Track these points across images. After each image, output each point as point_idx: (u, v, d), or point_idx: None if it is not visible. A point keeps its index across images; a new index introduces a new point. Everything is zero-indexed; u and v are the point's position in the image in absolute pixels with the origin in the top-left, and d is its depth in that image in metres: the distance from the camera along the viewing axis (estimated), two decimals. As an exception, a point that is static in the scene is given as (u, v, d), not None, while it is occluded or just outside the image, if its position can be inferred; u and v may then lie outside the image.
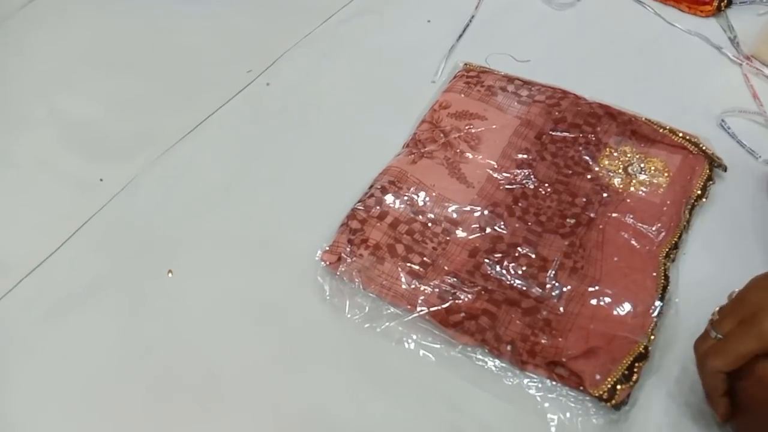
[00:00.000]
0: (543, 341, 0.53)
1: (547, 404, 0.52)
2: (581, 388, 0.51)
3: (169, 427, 0.53)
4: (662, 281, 0.57)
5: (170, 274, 0.61)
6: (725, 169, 0.67)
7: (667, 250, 0.59)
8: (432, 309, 0.55)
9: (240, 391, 0.54)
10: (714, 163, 0.66)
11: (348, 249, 0.59)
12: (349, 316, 0.57)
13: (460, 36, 0.84)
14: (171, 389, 0.55)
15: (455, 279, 0.57)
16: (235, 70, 0.79)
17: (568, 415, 0.52)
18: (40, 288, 0.61)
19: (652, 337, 0.53)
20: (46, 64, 0.82)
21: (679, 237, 0.60)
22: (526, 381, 0.53)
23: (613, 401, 0.50)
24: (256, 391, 0.54)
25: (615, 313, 0.54)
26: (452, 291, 0.56)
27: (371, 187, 0.65)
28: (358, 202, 0.63)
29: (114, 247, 0.64)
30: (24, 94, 0.78)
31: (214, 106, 0.75)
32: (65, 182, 0.69)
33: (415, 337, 0.56)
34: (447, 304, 0.55)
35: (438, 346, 0.55)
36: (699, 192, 0.63)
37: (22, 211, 0.67)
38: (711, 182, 0.65)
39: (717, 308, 0.50)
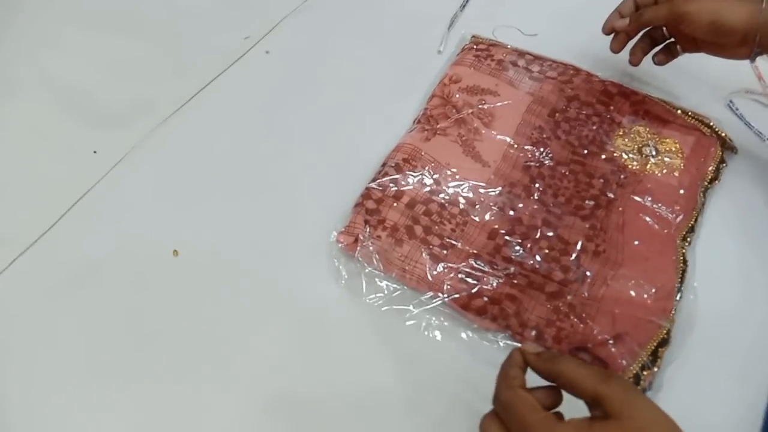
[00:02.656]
0: (569, 327, 0.52)
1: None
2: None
3: (177, 408, 0.51)
4: (681, 265, 0.56)
5: (176, 254, 0.58)
6: (736, 151, 0.67)
7: (684, 233, 0.59)
8: (455, 295, 0.54)
9: (253, 373, 0.52)
10: (726, 145, 0.66)
11: (366, 230, 0.57)
12: (367, 299, 0.56)
13: (464, 5, 0.81)
14: (179, 371, 0.53)
15: (477, 262, 0.55)
16: (234, 35, 0.75)
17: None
18: (39, 264, 0.58)
19: (674, 321, 0.53)
20: (34, 23, 0.76)
21: (696, 220, 0.60)
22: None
23: (638, 387, 0.50)
24: (269, 374, 0.53)
25: (637, 297, 0.54)
26: (475, 275, 0.55)
27: (384, 164, 0.62)
28: (372, 180, 0.61)
29: (114, 222, 0.60)
30: (11, 57, 0.73)
31: (211, 75, 0.71)
32: (59, 152, 0.65)
33: (435, 320, 0.55)
34: (471, 290, 0.54)
35: (460, 330, 0.54)
36: (713, 174, 0.63)
37: (14, 182, 0.63)
38: (724, 164, 0.65)
39: None
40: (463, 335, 0.54)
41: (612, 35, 0.67)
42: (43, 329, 0.54)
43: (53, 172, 0.63)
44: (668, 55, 0.67)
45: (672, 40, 0.66)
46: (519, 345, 0.53)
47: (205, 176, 0.64)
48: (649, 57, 0.68)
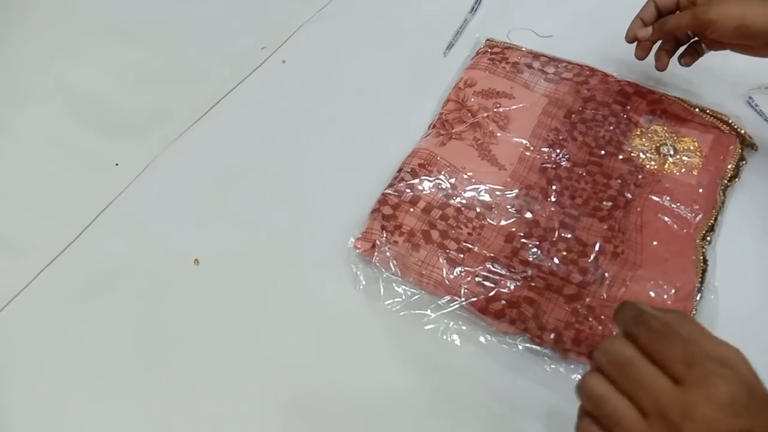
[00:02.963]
0: (588, 329, 0.52)
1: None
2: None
3: (198, 416, 0.52)
4: (701, 265, 0.56)
5: (197, 263, 0.59)
6: (756, 149, 0.66)
7: (703, 232, 0.58)
8: (473, 299, 0.54)
9: (273, 380, 0.53)
10: (745, 143, 0.65)
11: (383, 236, 0.57)
12: (385, 304, 0.56)
13: (475, 9, 0.81)
14: (201, 379, 0.54)
15: (495, 265, 0.56)
16: (250, 45, 0.76)
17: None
18: (64, 274, 0.59)
19: (695, 322, 0.53)
20: (50, 32, 0.78)
21: (715, 219, 0.59)
22: (568, 367, 0.53)
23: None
24: (289, 380, 0.53)
25: (657, 298, 0.54)
26: (493, 279, 0.55)
27: (400, 170, 0.63)
28: (388, 186, 0.61)
29: (136, 232, 0.62)
30: (29, 68, 0.74)
31: (229, 85, 0.73)
32: (80, 164, 0.66)
33: (453, 325, 0.55)
34: (488, 293, 0.54)
35: (478, 334, 0.54)
36: (732, 172, 0.63)
37: (37, 194, 0.64)
38: (743, 162, 0.64)
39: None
40: (482, 339, 0.54)
41: (635, 42, 0.66)
42: (69, 338, 0.56)
43: (75, 184, 0.64)
44: (694, 55, 0.66)
45: (696, 39, 0.66)
46: (536, 347, 0.53)
47: (224, 185, 0.65)
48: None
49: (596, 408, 0.36)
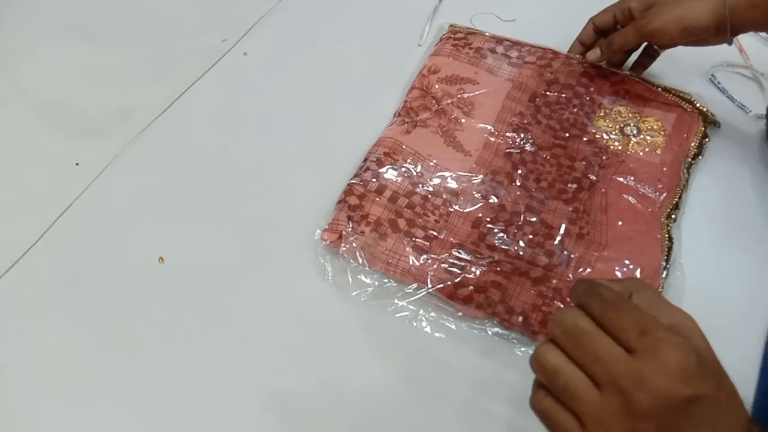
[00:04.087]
0: (555, 310, 0.52)
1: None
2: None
3: (169, 414, 0.51)
4: (667, 243, 0.56)
5: (162, 261, 0.58)
6: (719, 126, 0.66)
7: (668, 210, 0.59)
8: (440, 285, 0.54)
9: (244, 375, 0.52)
10: (708, 120, 0.65)
11: (349, 226, 0.57)
12: (353, 294, 0.56)
13: (442, -5, 0.81)
14: (169, 377, 0.53)
15: (461, 252, 0.55)
16: (210, 38, 0.75)
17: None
18: (27, 277, 0.58)
19: (661, 299, 0.53)
20: (6, 34, 0.76)
21: (680, 197, 0.60)
22: (537, 350, 0.53)
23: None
24: (260, 374, 0.53)
25: (623, 276, 0.54)
26: (459, 264, 0.55)
27: (366, 159, 0.62)
28: (354, 176, 0.61)
29: (99, 232, 0.60)
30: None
31: (190, 79, 0.71)
32: (41, 164, 0.65)
33: (423, 312, 0.55)
34: (455, 279, 0.54)
35: (448, 320, 0.54)
36: (696, 150, 0.63)
37: (-2, 197, 0.63)
38: (707, 139, 0.64)
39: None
40: (452, 325, 0.54)
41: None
42: (33, 341, 0.55)
43: (36, 186, 0.63)
44: (649, 57, 0.68)
45: (646, 43, 0.67)
46: (505, 331, 0.53)
47: (187, 181, 0.64)
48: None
49: (550, 380, 0.35)
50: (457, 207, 0.59)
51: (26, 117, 0.68)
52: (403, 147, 0.63)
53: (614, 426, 0.33)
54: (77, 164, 0.64)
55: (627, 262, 0.55)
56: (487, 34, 0.73)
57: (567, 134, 0.64)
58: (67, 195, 0.62)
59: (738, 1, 0.58)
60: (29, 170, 0.64)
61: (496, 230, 0.57)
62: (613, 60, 0.68)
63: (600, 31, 0.68)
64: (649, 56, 0.68)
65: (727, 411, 0.34)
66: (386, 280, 0.56)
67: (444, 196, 0.60)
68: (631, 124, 0.65)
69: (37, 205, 0.62)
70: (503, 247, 0.56)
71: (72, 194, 0.62)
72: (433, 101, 0.67)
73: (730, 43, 0.61)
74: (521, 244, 0.56)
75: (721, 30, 0.59)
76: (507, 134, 0.64)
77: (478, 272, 0.54)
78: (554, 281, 0.54)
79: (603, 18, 0.66)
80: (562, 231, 0.57)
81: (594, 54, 0.67)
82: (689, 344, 0.33)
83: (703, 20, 0.59)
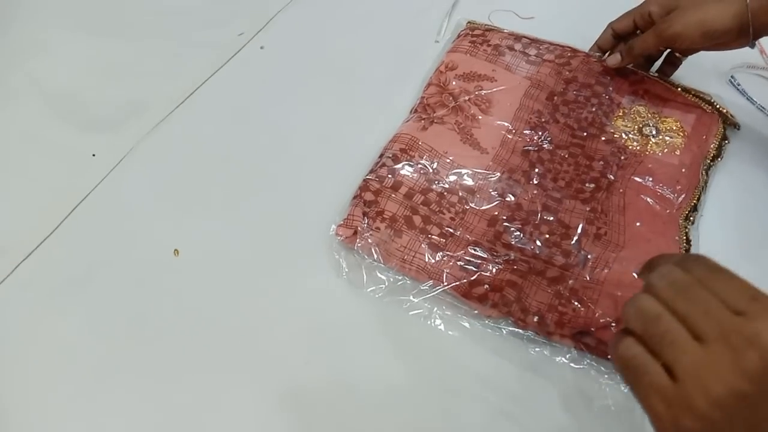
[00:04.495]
0: (571, 311, 0.52)
1: (574, 373, 0.52)
2: (609, 357, 0.51)
3: (184, 408, 0.51)
4: (684, 245, 0.56)
5: (176, 254, 0.58)
6: (738, 128, 0.66)
7: (686, 212, 0.58)
8: (455, 283, 0.53)
9: (258, 370, 0.53)
10: (728, 122, 0.65)
11: (364, 222, 0.57)
12: (368, 291, 0.56)
13: (460, -9, 0.80)
14: (184, 371, 0.53)
15: (477, 250, 0.55)
16: (227, 32, 0.75)
17: (595, 383, 0.51)
18: (41, 270, 0.58)
19: (678, 302, 0.53)
20: (20, 28, 0.76)
21: (698, 199, 0.59)
22: (552, 350, 0.53)
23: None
24: (275, 369, 0.53)
25: (640, 279, 0.53)
26: (475, 263, 0.54)
27: (382, 155, 0.62)
28: (370, 172, 0.61)
29: (114, 225, 0.61)
30: (0, 65, 0.73)
31: (206, 73, 0.71)
32: (55, 158, 0.65)
33: (437, 310, 0.55)
34: (471, 277, 0.53)
35: (462, 318, 0.54)
36: (715, 152, 0.62)
37: (13, 190, 0.63)
38: (726, 141, 0.64)
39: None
40: (466, 324, 0.54)
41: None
42: (47, 334, 0.55)
43: (51, 179, 0.63)
44: (672, 65, 0.68)
45: (669, 50, 0.67)
46: (520, 330, 0.53)
47: (203, 175, 0.64)
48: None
49: (649, 325, 0.34)
50: (473, 205, 0.59)
51: (40, 111, 0.69)
52: (420, 143, 0.62)
53: (713, 381, 0.32)
54: (94, 155, 0.64)
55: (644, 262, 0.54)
56: (505, 31, 0.73)
57: (585, 133, 0.63)
58: (82, 188, 0.62)
59: (761, 4, 0.57)
60: (43, 164, 0.65)
61: (512, 229, 0.57)
62: (634, 66, 0.67)
63: (619, 36, 0.67)
64: (671, 64, 0.67)
65: None
66: (401, 277, 0.56)
67: (460, 194, 0.59)
68: (650, 125, 0.64)
69: (51, 199, 0.62)
70: (519, 246, 0.56)
71: (86, 187, 0.62)
72: (450, 98, 0.66)
73: (753, 46, 0.60)
74: (538, 243, 0.56)
75: (743, 33, 0.59)
76: (524, 132, 0.63)
77: (494, 270, 0.54)
78: (571, 281, 0.53)
79: (622, 23, 0.66)
80: (579, 231, 0.56)
81: (614, 59, 0.66)
82: None
83: (725, 23, 0.58)
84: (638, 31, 0.65)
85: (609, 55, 0.67)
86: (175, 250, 0.58)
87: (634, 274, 0.41)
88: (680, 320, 0.34)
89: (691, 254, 0.37)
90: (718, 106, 0.65)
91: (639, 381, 0.35)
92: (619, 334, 0.37)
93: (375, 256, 0.56)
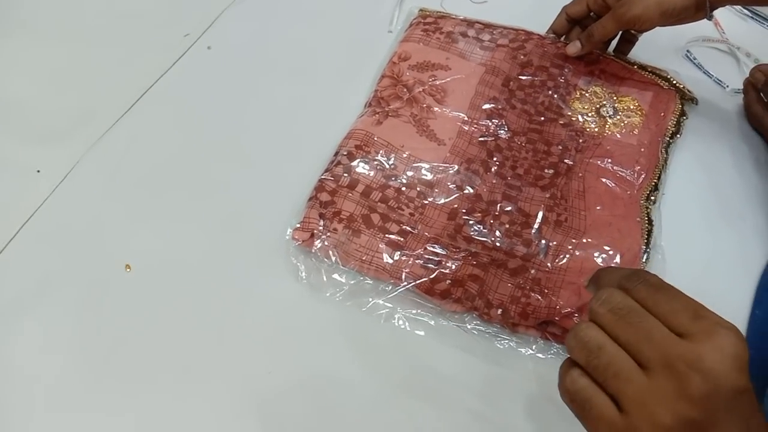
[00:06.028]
0: (534, 302, 0.51)
1: (541, 364, 0.51)
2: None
3: (144, 421, 0.49)
4: (647, 225, 0.55)
5: (128, 269, 0.56)
6: (696, 102, 0.65)
7: (647, 192, 0.57)
8: (417, 281, 0.52)
9: (219, 379, 0.51)
10: (685, 97, 0.64)
11: (321, 224, 0.55)
12: (328, 294, 0.54)
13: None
14: (142, 385, 0.51)
15: (437, 246, 0.54)
16: (172, 33, 0.72)
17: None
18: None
19: (642, 285, 0.52)
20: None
21: (659, 178, 0.59)
22: (518, 342, 0.52)
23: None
24: (236, 378, 0.51)
25: (604, 264, 0.53)
26: (436, 259, 0.53)
27: (336, 153, 0.60)
28: (325, 171, 0.59)
29: (63, 242, 0.58)
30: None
31: (153, 77, 0.69)
32: (0, 173, 0.62)
33: (401, 309, 0.53)
34: (430, 275, 0.52)
35: (426, 316, 0.53)
36: (674, 128, 0.62)
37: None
38: (684, 117, 0.63)
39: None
40: (431, 321, 0.53)
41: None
42: (0, 356, 0.53)
43: (-2, 194, 0.61)
44: (628, 42, 0.67)
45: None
46: (485, 324, 0.52)
47: (153, 184, 0.62)
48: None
49: (591, 357, 0.34)
50: (431, 199, 0.57)
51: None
52: (375, 139, 0.61)
53: (660, 410, 0.31)
54: (38, 171, 0.62)
55: (607, 248, 0.54)
56: (458, 17, 0.71)
57: (542, 118, 0.62)
58: (30, 204, 0.60)
59: None
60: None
61: (472, 221, 0.55)
62: (594, 51, 0.66)
63: (573, 20, 0.66)
64: (628, 42, 0.67)
65: (756, 410, 0.32)
66: (362, 278, 0.55)
67: (418, 189, 0.58)
68: (607, 105, 0.63)
69: (-2, 216, 0.59)
70: (480, 238, 0.55)
71: (34, 203, 0.60)
72: (405, 90, 0.65)
73: (710, 18, 0.60)
74: (498, 234, 0.54)
75: (700, 7, 0.58)
76: (481, 122, 0.62)
77: (453, 266, 0.53)
78: (532, 271, 0.52)
79: (575, 7, 0.65)
80: (539, 219, 0.55)
81: (574, 47, 0.65)
82: (740, 333, 0.32)
83: (683, 0, 0.57)
84: (592, 15, 0.64)
85: (569, 45, 0.66)
86: (126, 265, 0.56)
87: (583, 286, 0.41)
88: (624, 348, 0.33)
89: (634, 271, 0.36)
90: (675, 82, 0.64)
91: (587, 414, 0.34)
92: (566, 366, 0.36)
93: (333, 258, 0.54)
